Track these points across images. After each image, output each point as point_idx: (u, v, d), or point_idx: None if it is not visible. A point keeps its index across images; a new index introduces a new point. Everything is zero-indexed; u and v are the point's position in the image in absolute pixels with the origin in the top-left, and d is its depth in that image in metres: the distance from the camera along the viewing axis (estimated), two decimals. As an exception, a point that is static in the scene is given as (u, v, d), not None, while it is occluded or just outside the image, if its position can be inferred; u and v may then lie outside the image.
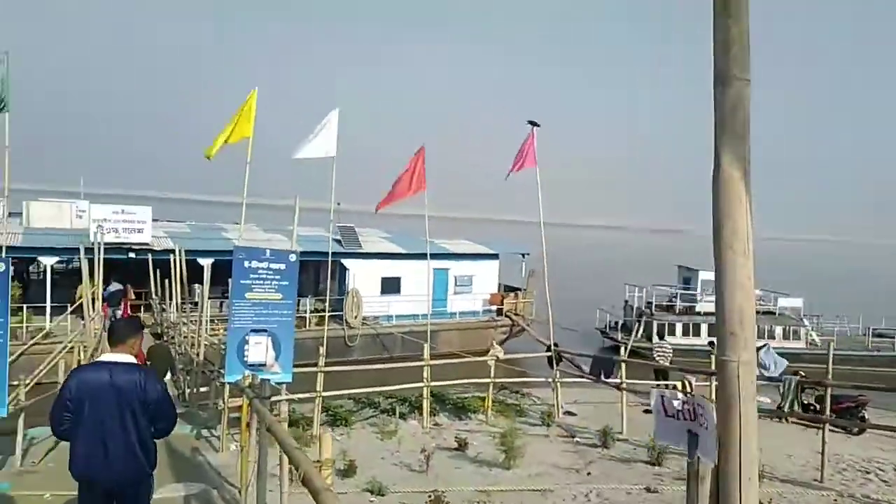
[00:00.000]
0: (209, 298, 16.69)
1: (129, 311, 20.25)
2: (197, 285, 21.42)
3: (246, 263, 8.16)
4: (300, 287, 10.06)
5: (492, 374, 12.92)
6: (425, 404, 11.81)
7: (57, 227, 21.83)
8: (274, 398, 6.62)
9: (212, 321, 20.33)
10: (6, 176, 12.68)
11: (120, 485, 4.23)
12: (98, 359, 4.60)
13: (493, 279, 28.13)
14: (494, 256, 28.49)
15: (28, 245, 19.69)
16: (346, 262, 24.76)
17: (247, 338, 8.22)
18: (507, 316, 26.72)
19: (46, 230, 21.32)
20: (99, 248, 18.84)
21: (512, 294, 27.77)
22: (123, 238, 20.70)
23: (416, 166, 14.96)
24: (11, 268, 6.85)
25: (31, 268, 26.91)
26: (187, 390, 14.12)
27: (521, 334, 25.19)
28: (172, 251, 21.29)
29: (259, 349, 8.24)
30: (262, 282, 8.23)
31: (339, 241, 24.30)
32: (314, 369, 10.67)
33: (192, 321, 21.22)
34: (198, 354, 15.88)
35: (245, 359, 8.21)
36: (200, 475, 8.00)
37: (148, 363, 15.46)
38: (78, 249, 19.40)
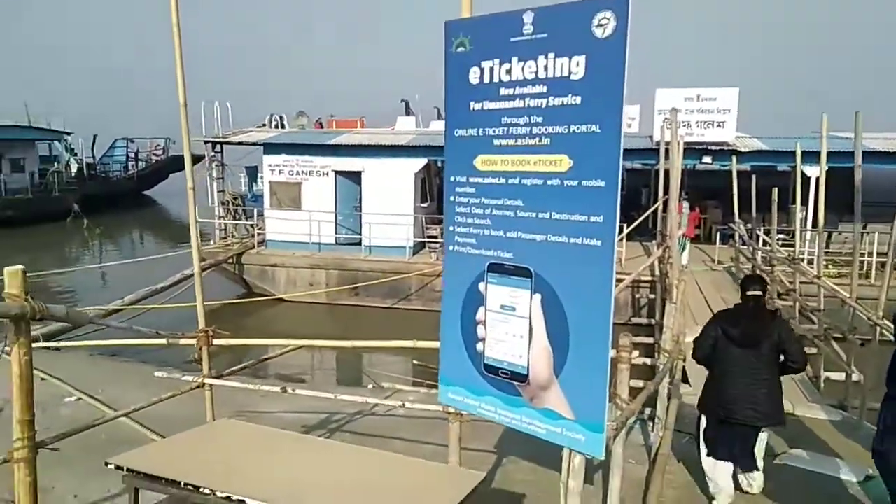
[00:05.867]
0: (818, 230, 10.80)
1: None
2: (797, 206, 14.85)
3: (474, 70, 2.68)
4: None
5: None
6: None
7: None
8: None
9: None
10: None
11: None
12: None
13: None
14: None
15: None
16: None
17: (480, 286, 2.84)
18: None
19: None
20: (678, 149, 14.00)
21: None
22: (697, 136, 15.80)
23: None
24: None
25: None
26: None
27: None
28: (766, 152, 15.40)
29: (511, 327, 2.76)
30: (519, 119, 2.60)
31: None
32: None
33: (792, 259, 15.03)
34: (811, 312, 10.03)
35: (476, 346, 2.89)
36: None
37: None
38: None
